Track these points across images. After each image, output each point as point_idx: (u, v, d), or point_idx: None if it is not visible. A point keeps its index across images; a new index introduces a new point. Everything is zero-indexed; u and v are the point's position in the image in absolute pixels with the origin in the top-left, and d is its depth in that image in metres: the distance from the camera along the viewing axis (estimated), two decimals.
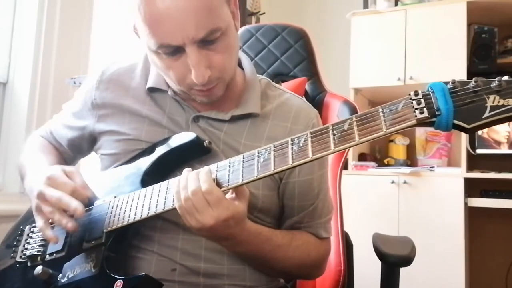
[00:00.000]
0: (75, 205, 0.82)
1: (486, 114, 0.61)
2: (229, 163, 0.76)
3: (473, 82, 0.62)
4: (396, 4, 2.94)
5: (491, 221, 2.80)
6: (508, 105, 0.60)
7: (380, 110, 0.66)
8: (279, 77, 1.45)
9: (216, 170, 0.77)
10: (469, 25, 2.70)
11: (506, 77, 0.62)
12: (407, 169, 2.70)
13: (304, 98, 1.09)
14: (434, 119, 0.63)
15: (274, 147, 0.73)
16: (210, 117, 0.92)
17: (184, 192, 0.74)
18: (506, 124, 2.69)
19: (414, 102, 0.64)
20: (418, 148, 2.92)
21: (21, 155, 1.08)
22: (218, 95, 0.89)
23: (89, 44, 2.00)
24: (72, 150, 1.07)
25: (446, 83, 0.64)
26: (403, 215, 2.62)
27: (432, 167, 2.72)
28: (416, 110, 0.64)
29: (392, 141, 2.98)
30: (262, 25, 1.55)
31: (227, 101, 0.94)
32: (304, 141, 0.70)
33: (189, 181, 0.74)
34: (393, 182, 2.67)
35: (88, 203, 0.91)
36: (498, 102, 0.60)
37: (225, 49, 0.84)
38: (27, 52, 1.79)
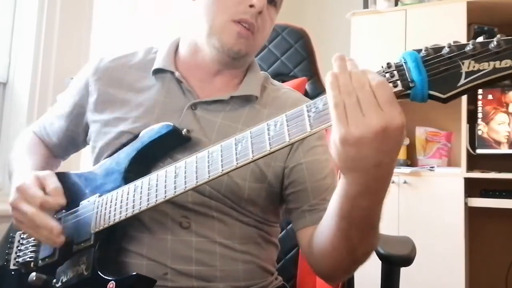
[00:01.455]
0: (51, 226, 0.83)
1: (462, 81, 0.58)
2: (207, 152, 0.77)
3: (446, 48, 0.59)
4: (396, 4, 2.93)
5: (491, 221, 2.79)
6: (484, 69, 0.57)
7: None
8: (279, 77, 1.45)
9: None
10: (469, 25, 2.70)
11: (480, 39, 0.59)
12: (407, 169, 2.70)
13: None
14: (409, 91, 0.60)
15: (251, 133, 0.71)
16: (209, 101, 0.93)
17: (346, 87, 0.59)
18: (506, 124, 2.70)
19: (387, 74, 0.61)
20: (418, 148, 2.92)
21: (11, 151, 1.08)
22: (242, 50, 0.91)
23: (89, 44, 2.00)
24: (66, 142, 1.07)
25: (419, 51, 0.61)
26: (403, 215, 2.62)
27: (432, 167, 2.72)
28: (389, 84, 0.60)
29: None
30: None
31: (229, 86, 0.96)
32: (280, 125, 0.68)
33: (353, 75, 0.61)
34: (393, 182, 2.66)
35: (73, 203, 0.91)
36: (474, 67, 0.57)
37: (271, 22, 0.96)
38: (27, 52, 1.79)
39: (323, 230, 0.77)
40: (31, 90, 1.77)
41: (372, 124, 0.57)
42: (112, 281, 0.77)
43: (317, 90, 1.42)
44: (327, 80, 0.61)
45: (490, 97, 2.74)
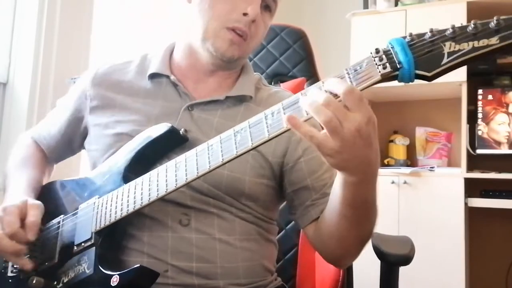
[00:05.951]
0: (22, 264, 0.86)
1: (445, 60, 0.64)
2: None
3: (428, 33, 0.65)
4: (396, 4, 2.94)
5: (491, 221, 2.79)
6: (463, 49, 0.63)
7: (345, 72, 0.69)
8: (278, 77, 1.45)
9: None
10: None
11: (459, 24, 0.65)
12: (407, 169, 2.70)
13: None
14: (397, 73, 0.66)
15: (250, 123, 0.74)
16: (205, 101, 0.95)
17: (318, 108, 0.65)
18: (506, 124, 2.70)
19: (376, 59, 0.67)
20: (418, 148, 2.92)
21: (8, 160, 1.09)
22: (235, 55, 0.93)
23: (89, 44, 2.00)
24: (62, 146, 1.08)
25: (404, 37, 0.67)
26: (403, 215, 2.62)
27: (432, 167, 2.72)
28: (379, 67, 0.66)
29: (392, 141, 2.99)
30: None
31: (222, 86, 0.98)
32: (277, 113, 0.71)
33: (315, 96, 0.66)
34: (393, 182, 2.66)
35: (73, 207, 0.92)
36: (454, 47, 0.64)
37: (265, 27, 0.97)
38: (27, 52, 1.79)
39: (329, 219, 0.84)
40: (31, 91, 1.77)
41: (348, 132, 0.64)
42: (116, 275, 0.77)
43: None
44: (309, 106, 0.66)
45: (490, 97, 2.74)
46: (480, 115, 2.74)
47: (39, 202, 0.91)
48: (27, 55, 1.79)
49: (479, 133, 2.73)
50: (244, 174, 0.90)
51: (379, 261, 1.09)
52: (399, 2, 2.94)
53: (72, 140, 1.06)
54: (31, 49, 1.78)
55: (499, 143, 2.72)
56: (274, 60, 1.49)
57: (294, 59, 1.46)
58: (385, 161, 2.94)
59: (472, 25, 0.63)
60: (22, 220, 0.86)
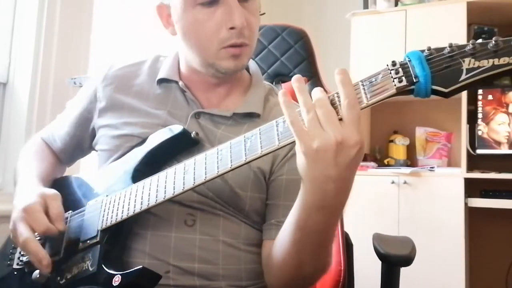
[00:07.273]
0: (41, 256, 0.82)
1: (463, 77, 0.62)
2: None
3: (448, 48, 0.64)
4: (396, 4, 2.94)
5: (491, 221, 2.79)
6: (483, 66, 0.61)
7: (360, 83, 0.67)
8: (279, 77, 1.45)
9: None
10: (469, 25, 2.70)
11: (479, 40, 0.63)
12: (407, 169, 2.70)
13: None
14: (413, 87, 0.64)
15: (260, 130, 0.74)
16: (212, 113, 0.94)
17: (306, 104, 0.65)
18: (506, 124, 2.70)
19: (392, 71, 0.65)
20: (418, 148, 2.92)
21: (19, 157, 1.09)
22: (244, 62, 0.91)
23: (89, 44, 2.00)
24: (72, 147, 1.08)
25: (422, 51, 0.65)
26: (403, 215, 2.62)
27: (432, 167, 2.72)
28: (395, 80, 0.64)
29: (392, 141, 2.99)
30: (262, 25, 1.55)
31: (232, 99, 0.97)
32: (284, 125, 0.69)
33: (313, 94, 0.66)
34: (393, 182, 2.67)
35: (81, 204, 0.92)
36: (474, 64, 0.62)
37: (255, 12, 0.90)
38: (27, 52, 1.79)
39: (279, 242, 0.82)
40: (31, 90, 1.77)
41: (330, 137, 0.62)
42: (118, 275, 0.78)
43: None
44: (280, 99, 0.67)
45: (490, 97, 2.74)
46: (480, 115, 2.74)
47: (54, 191, 0.91)
48: (27, 55, 1.79)
49: (479, 133, 2.73)
50: (246, 190, 0.89)
51: (379, 262, 1.09)
52: (399, 2, 2.94)
53: (81, 141, 1.06)
54: (31, 49, 1.78)
55: (499, 143, 2.72)
56: (275, 60, 1.48)
57: (295, 59, 1.46)
58: (385, 161, 2.94)
59: (494, 42, 0.61)
60: (46, 214, 0.86)
